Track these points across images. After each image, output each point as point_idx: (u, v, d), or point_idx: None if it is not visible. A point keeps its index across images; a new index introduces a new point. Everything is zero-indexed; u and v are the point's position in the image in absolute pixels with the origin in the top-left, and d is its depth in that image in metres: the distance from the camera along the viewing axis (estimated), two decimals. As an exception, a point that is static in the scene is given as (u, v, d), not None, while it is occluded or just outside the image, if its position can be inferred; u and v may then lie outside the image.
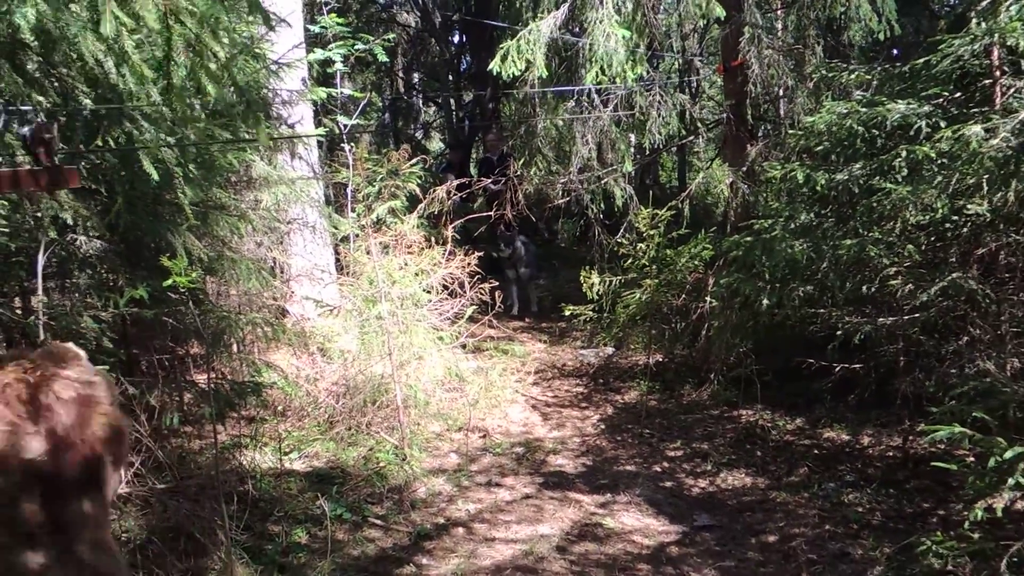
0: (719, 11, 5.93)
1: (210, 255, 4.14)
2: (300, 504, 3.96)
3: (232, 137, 4.47)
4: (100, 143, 3.37)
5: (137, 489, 3.49)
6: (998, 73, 3.99)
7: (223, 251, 4.32)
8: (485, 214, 7.12)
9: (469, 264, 5.84)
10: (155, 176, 2.89)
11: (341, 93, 7.28)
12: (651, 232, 6.05)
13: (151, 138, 3.13)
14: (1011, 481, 2.66)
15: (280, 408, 4.98)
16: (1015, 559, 2.77)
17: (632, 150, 7.56)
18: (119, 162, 3.62)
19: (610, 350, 6.96)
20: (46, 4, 2.18)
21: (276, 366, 4.97)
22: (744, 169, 6.19)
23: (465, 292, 5.81)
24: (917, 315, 3.96)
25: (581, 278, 6.44)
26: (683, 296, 6.01)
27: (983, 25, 3.87)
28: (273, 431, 4.70)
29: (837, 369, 4.41)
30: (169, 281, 3.37)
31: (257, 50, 4.82)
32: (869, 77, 4.73)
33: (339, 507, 3.93)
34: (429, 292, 5.69)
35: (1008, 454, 2.65)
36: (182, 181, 3.73)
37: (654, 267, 6.04)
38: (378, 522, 3.92)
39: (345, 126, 6.88)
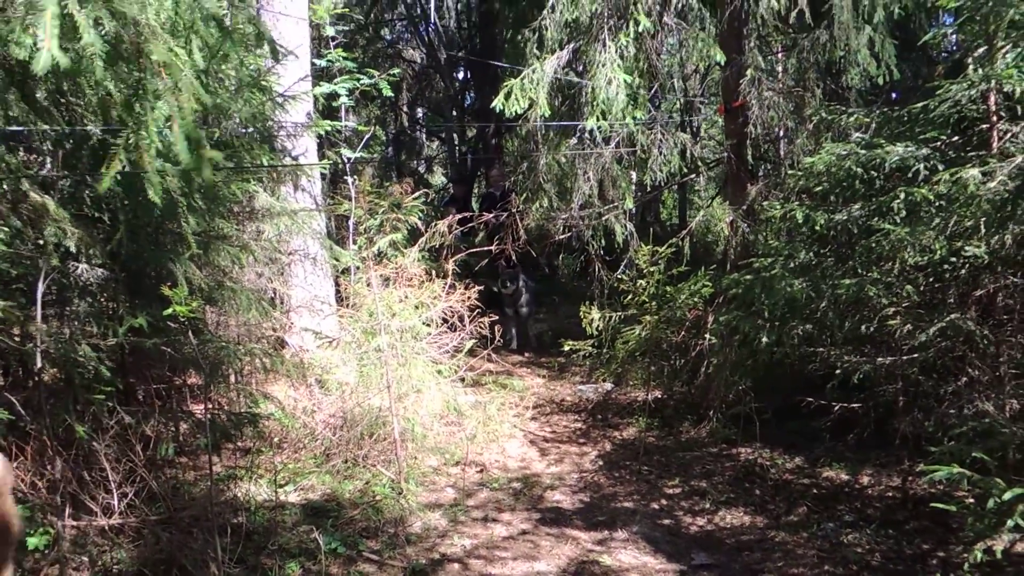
0: (719, 56, 6.05)
1: (210, 285, 4.15)
2: (294, 537, 3.92)
3: (236, 167, 4.51)
4: (104, 171, 3.40)
5: (130, 520, 3.46)
6: (995, 118, 4.04)
7: (224, 281, 4.33)
8: (486, 248, 7.15)
9: (469, 298, 5.86)
10: (159, 203, 2.91)
11: (345, 126, 7.37)
12: (651, 269, 6.08)
13: (158, 167, 3.16)
14: (1010, 523, 2.64)
15: (276, 440, 4.95)
16: (1016, 603, 2.74)
17: (633, 187, 7.63)
18: (123, 190, 3.65)
19: (609, 386, 6.93)
20: (62, 54, 2.21)
21: (273, 397, 4.96)
22: (744, 208, 6.23)
23: (465, 326, 5.81)
24: (916, 355, 3.96)
25: (581, 313, 6.45)
26: (682, 333, 6.01)
27: (980, 71, 3.93)
28: (269, 463, 4.67)
29: (836, 408, 4.40)
30: (169, 310, 3.38)
31: (264, 83, 4.89)
32: (868, 120, 4.78)
33: (333, 541, 3.89)
34: (428, 325, 5.70)
35: (1007, 495, 2.64)
36: (186, 210, 3.76)
37: (654, 303, 6.06)
38: (372, 556, 3.87)
39: (348, 159, 6.95)
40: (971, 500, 3.14)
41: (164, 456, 3.91)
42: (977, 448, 2.97)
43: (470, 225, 7.85)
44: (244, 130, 4.88)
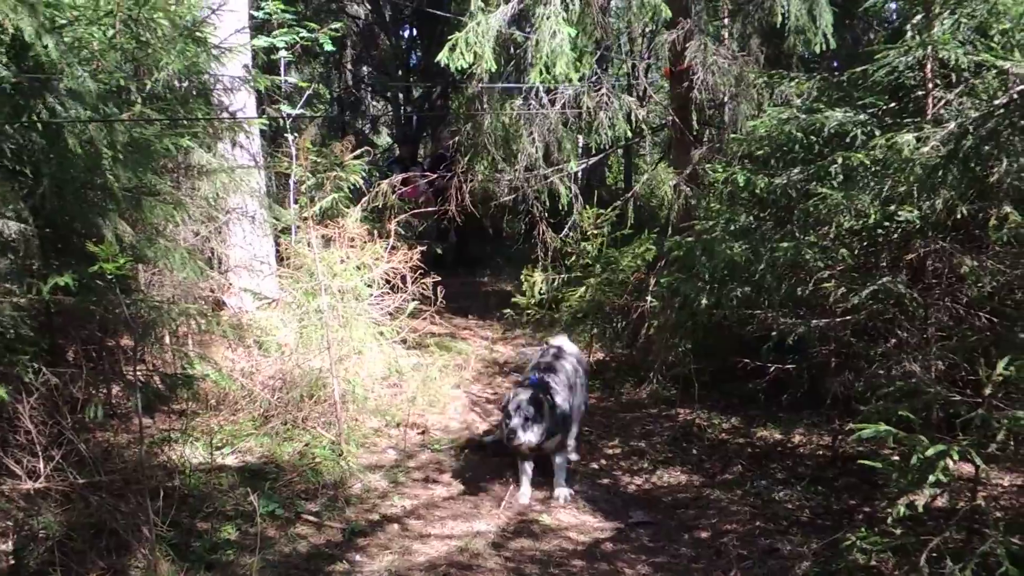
0: (666, 12, 5.97)
1: (142, 242, 4.00)
2: (231, 500, 3.86)
3: (170, 120, 4.34)
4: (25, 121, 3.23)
5: (56, 484, 3.35)
6: (931, 85, 4.11)
7: (157, 239, 4.18)
8: (430, 210, 7.07)
9: (412, 259, 5.79)
10: (79, 152, 2.76)
11: (285, 82, 7.15)
12: (595, 232, 6.09)
13: (75, 115, 3.00)
14: (932, 478, 2.74)
15: (213, 402, 4.85)
16: (934, 554, 2.86)
17: (580, 151, 7.60)
18: (46, 143, 3.47)
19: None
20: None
21: (210, 358, 4.84)
22: (688, 172, 6.26)
23: (407, 287, 5.75)
24: (848, 317, 4.05)
25: (522, 277, 6.44)
26: (625, 295, 6.05)
27: (917, 37, 3.98)
28: (205, 425, 4.58)
29: (771, 369, 4.49)
30: (95, 267, 3.24)
31: (198, 33, 4.69)
32: (808, 86, 4.82)
33: (271, 503, 3.85)
34: (371, 286, 5.62)
35: (930, 451, 2.73)
36: (111, 163, 3.60)
37: (597, 266, 6.08)
38: (311, 518, 3.85)
39: (288, 115, 6.75)
40: (896, 457, 3.25)
41: (93, 419, 3.78)
42: (903, 407, 3.06)
43: (416, 186, 7.76)
44: (178, 83, 4.69)
